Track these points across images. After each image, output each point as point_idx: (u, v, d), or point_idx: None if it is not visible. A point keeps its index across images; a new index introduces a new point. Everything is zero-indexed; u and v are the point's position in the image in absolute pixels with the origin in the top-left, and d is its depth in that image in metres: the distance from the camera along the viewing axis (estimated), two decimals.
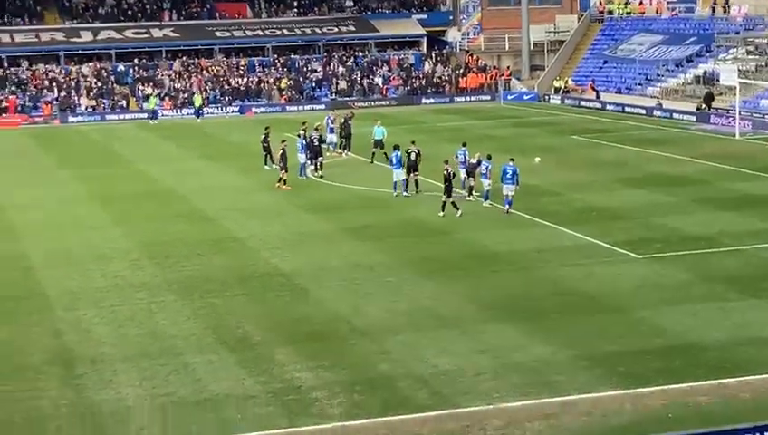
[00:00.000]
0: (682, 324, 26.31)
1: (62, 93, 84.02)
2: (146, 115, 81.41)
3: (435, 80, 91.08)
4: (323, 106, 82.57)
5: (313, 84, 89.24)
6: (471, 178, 42.80)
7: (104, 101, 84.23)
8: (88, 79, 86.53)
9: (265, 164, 52.27)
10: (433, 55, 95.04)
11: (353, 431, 20.41)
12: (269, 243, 36.36)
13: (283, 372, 23.69)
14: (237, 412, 21.48)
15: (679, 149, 56.35)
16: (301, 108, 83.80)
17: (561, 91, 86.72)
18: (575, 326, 26.39)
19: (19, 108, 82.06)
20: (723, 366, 23.36)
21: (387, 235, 37.25)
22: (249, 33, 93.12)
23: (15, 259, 35.15)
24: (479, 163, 42.10)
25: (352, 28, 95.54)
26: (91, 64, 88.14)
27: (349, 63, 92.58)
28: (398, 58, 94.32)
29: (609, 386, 22.34)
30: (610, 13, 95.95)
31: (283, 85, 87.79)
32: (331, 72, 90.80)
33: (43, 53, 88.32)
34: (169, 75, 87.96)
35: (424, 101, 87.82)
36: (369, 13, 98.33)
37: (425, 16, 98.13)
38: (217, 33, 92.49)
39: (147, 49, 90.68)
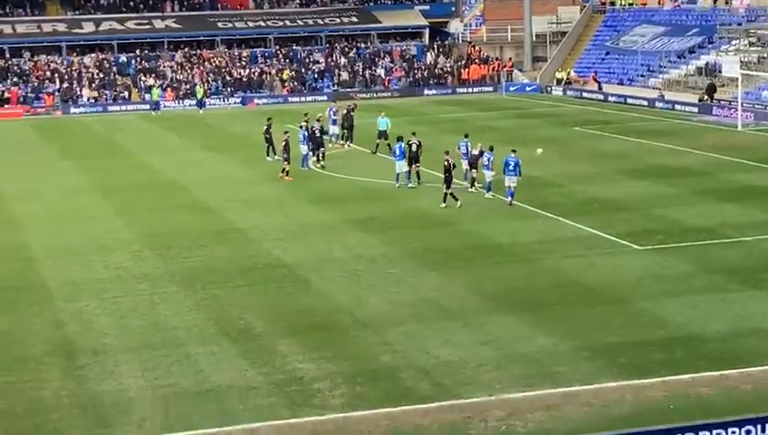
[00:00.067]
0: (683, 316, 26.33)
1: (65, 84, 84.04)
2: (148, 106, 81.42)
3: (437, 71, 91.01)
4: (325, 97, 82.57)
5: (315, 75, 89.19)
6: (473, 170, 42.82)
7: (106, 92, 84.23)
8: (90, 70, 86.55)
9: (267, 155, 52.29)
10: (435, 46, 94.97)
11: (355, 422, 20.43)
12: (271, 234, 36.38)
13: (285, 364, 23.72)
14: (239, 403, 21.52)
15: (681, 141, 56.33)
16: (303, 99, 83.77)
17: (564, 82, 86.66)
18: (577, 317, 26.42)
19: (21, 99, 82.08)
20: (724, 357, 23.38)
21: (389, 226, 37.26)
22: (251, 24, 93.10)
23: (17, 250, 35.18)
24: (481, 154, 42.12)
25: (355, 19, 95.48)
26: (93, 55, 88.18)
27: (351, 54, 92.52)
28: (400, 49, 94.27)
29: (610, 377, 22.36)
30: (613, 4, 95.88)
31: (285, 76, 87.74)
32: (333, 64, 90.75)
33: (45, 43, 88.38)
34: (171, 66, 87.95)
35: (426, 92, 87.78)
36: (372, 4, 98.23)
37: (427, 7, 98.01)
38: (219, 25, 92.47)
39: (149, 40, 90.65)
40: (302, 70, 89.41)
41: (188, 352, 24.55)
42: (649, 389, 21.63)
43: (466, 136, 45.29)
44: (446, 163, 40.11)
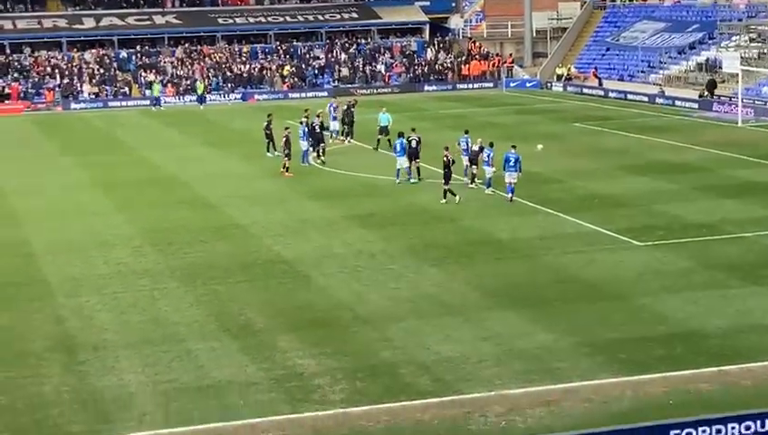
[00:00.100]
0: (683, 312, 26.35)
1: (65, 80, 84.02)
2: (148, 102, 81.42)
3: (437, 67, 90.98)
4: (326, 93, 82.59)
5: (316, 71, 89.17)
6: (474, 166, 42.82)
7: (107, 87, 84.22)
8: (90, 66, 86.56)
9: (267, 151, 52.29)
10: (435, 42, 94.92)
11: (355, 418, 20.45)
12: (271, 230, 36.40)
13: (286, 359, 23.74)
14: (240, 399, 21.54)
15: (681, 137, 56.32)
16: (303, 95, 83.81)
17: (564, 78, 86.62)
18: (577, 313, 26.43)
19: (22, 94, 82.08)
20: (724, 353, 23.40)
21: (389, 222, 37.27)
22: (251, 20, 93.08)
23: (17, 245, 35.20)
24: (481, 150, 42.11)
25: (355, 15, 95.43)
26: (93, 51, 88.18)
27: (351, 50, 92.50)
28: (400, 45, 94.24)
29: (610, 373, 22.39)
30: (613, 0, 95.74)
31: (285, 72, 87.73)
32: (333, 60, 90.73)
33: (46, 39, 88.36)
34: (172, 62, 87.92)
35: (426, 88, 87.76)
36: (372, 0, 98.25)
37: (427, 3, 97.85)
38: (220, 20, 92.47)
39: (149, 36, 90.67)
40: (303, 66, 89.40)
41: (189, 348, 24.57)
42: (649, 385, 21.65)
43: (466, 132, 45.30)
44: (444, 159, 40.13)
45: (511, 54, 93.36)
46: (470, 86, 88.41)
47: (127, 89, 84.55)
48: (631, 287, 28.56)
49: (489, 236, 34.89)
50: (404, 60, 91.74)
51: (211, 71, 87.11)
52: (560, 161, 48.61)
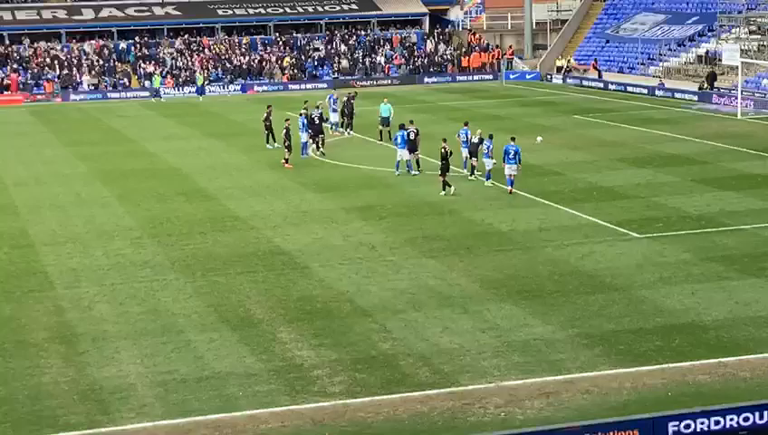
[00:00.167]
0: (682, 303, 26.38)
1: (64, 71, 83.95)
2: (148, 93, 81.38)
3: (437, 59, 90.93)
4: (325, 85, 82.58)
5: (315, 63, 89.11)
6: (473, 158, 42.82)
7: (106, 79, 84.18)
8: (90, 57, 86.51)
9: (267, 143, 52.29)
10: (435, 34, 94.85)
11: (354, 409, 20.49)
12: (271, 221, 36.41)
13: (285, 351, 23.77)
14: (239, 390, 21.57)
15: (681, 129, 56.33)
16: (303, 87, 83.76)
17: (564, 70, 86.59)
18: (576, 305, 26.46)
19: (21, 86, 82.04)
20: (722, 345, 23.45)
21: (389, 214, 37.29)
22: (251, 11, 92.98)
23: (17, 237, 35.20)
24: (481, 142, 42.10)
25: (354, 6, 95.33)
26: (92, 42, 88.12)
27: (351, 42, 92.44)
28: (400, 37, 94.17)
29: (609, 365, 22.43)
30: None
31: (285, 64, 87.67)
32: (333, 51, 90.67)
33: (45, 30, 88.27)
34: (171, 53, 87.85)
35: (426, 80, 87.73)
36: None
37: None
38: (219, 12, 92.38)
39: (148, 27, 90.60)
40: (302, 57, 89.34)
41: (188, 339, 24.60)
42: (648, 376, 21.70)
43: (466, 124, 45.28)
44: (442, 151, 40.15)
45: (511, 46, 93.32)
46: (470, 78, 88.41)
47: (126, 80, 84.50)
48: (630, 279, 28.58)
49: (489, 228, 34.91)
50: (404, 52, 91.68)
51: (210, 62, 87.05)
52: (559, 153, 48.63)
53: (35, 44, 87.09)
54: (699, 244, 32.12)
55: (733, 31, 76.36)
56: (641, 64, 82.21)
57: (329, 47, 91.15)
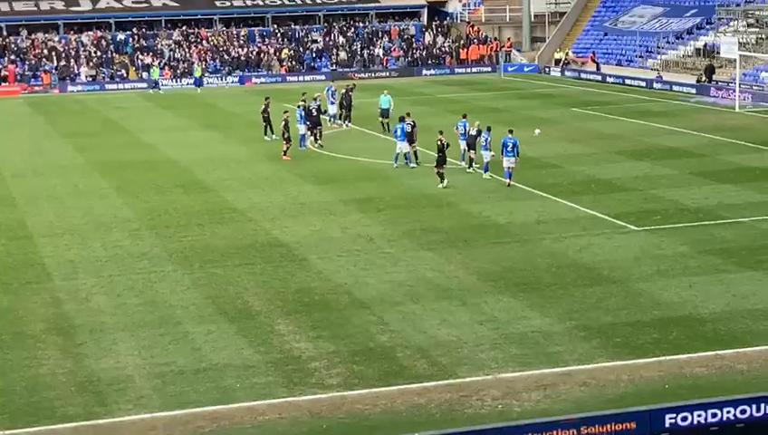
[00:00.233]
0: (679, 296, 26.40)
1: (62, 62, 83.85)
2: (146, 85, 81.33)
3: (435, 51, 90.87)
4: (323, 77, 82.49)
5: (314, 55, 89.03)
6: (471, 151, 42.82)
7: (104, 70, 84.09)
8: (87, 48, 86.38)
9: (265, 135, 52.27)
10: (434, 26, 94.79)
11: (352, 401, 20.51)
12: (269, 213, 36.41)
13: (283, 343, 23.79)
14: (236, 382, 21.58)
15: (679, 122, 56.33)
16: (301, 78, 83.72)
17: (562, 63, 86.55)
18: (573, 297, 26.48)
19: (18, 77, 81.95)
20: (720, 338, 23.47)
21: (387, 206, 37.29)
22: (249, 2, 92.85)
23: (14, 228, 35.19)
24: (479, 134, 42.10)
25: None
26: (90, 33, 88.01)
27: (349, 34, 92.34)
28: (398, 29, 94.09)
29: (606, 357, 22.45)
30: None
31: (283, 56, 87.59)
32: (331, 43, 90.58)
33: (43, 21, 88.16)
34: (169, 45, 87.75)
35: (424, 72, 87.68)
36: None
37: None
38: (217, 3, 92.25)
39: (146, 18, 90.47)
40: (301, 49, 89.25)
41: (186, 331, 24.61)
42: (645, 369, 21.72)
43: (464, 116, 45.26)
44: (439, 143, 40.15)
45: (509, 39, 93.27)
46: (468, 70, 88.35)
47: (124, 71, 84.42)
48: (628, 272, 28.60)
49: (486, 221, 34.91)
50: (402, 44, 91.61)
51: (208, 54, 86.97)
52: (557, 146, 48.64)
53: (33, 36, 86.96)
54: (697, 236, 32.13)
55: (731, 24, 76.32)
56: (639, 57, 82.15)
57: (327, 39, 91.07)
